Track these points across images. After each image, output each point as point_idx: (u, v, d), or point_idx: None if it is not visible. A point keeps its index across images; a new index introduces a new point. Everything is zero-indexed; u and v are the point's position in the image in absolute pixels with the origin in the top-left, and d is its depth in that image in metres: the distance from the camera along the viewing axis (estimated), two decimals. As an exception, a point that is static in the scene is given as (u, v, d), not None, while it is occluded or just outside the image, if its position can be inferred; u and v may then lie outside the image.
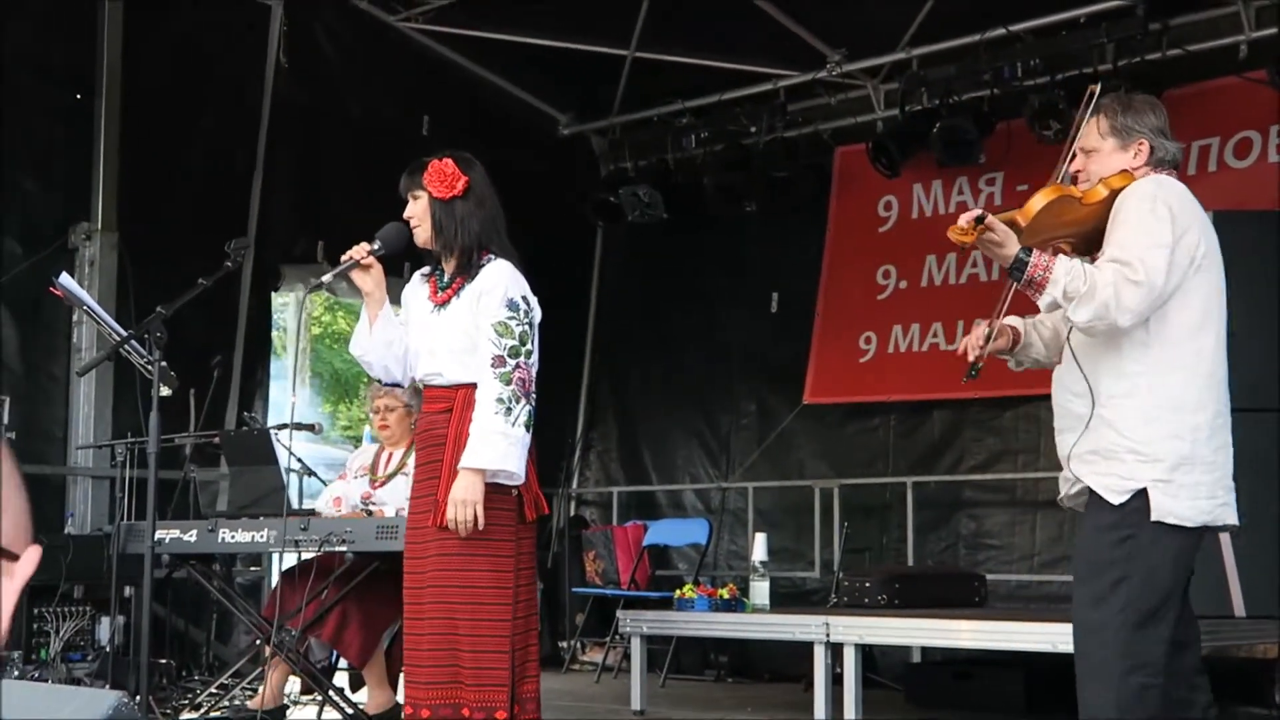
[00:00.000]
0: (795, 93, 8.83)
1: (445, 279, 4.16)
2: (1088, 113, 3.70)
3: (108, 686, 5.92)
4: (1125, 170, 3.63)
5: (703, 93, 9.02)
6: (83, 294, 5.44)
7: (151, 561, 4.64)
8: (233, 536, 5.67)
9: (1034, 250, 3.42)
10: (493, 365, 3.92)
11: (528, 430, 3.95)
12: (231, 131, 8.19)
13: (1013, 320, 3.84)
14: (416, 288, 4.25)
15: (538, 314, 4.09)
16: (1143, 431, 3.47)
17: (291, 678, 6.09)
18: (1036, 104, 7.59)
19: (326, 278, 4.19)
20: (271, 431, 6.29)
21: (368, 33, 8.71)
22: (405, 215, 4.16)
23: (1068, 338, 3.63)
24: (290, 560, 5.95)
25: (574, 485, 9.95)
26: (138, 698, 4.71)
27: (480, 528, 3.89)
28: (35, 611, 6.52)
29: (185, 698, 6.24)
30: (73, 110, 7.53)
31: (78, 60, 7.53)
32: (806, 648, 6.10)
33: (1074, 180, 3.70)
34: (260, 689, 6.05)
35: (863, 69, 8.55)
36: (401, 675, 5.90)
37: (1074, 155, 3.71)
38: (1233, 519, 3.59)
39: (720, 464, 9.39)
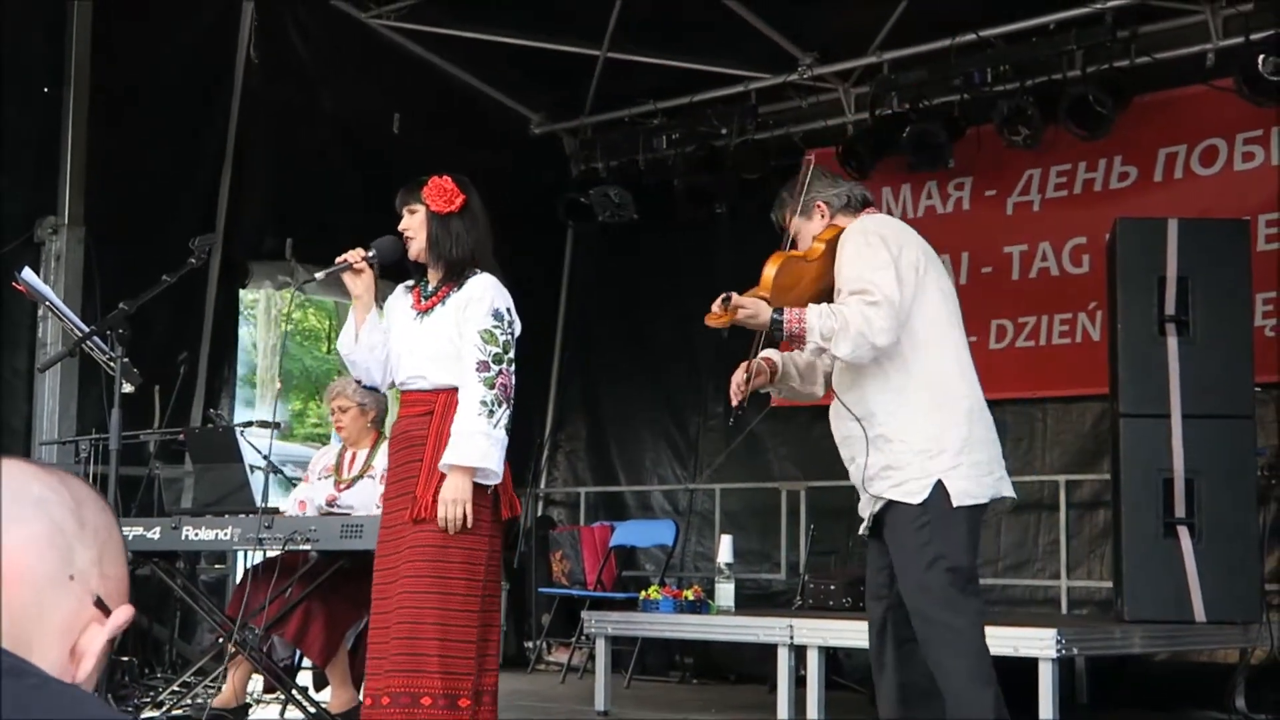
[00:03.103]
0: (766, 95, 8.84)
1: (430, 289, 4.31)
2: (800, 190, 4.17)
3: (69, 684, 5.88)
4: (829, 225, 4.10)
5: (674, 94, 9.02)
6: (45, 290, 5.41)
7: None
8: (196, 534, 5.64)
9: (784, 310, 3.79)
10: (477, 369, 4.09)
11: (506, 433, 4.13)
12: (201, 127, 8.15)
13: (770, 353, 4.16)
14: (399, 297, 4.40)
15: (518, 327, 4.27)
16: (924, 431, 3.80)
17: (255, 676, 6.07)
18: (1006, 109, 7.63)
19: (319, 275, 4.31)
20: (236, 429, 6.27)
21: (339, 29, 8.68)
22: (401, 228, 4.31)
23: (831, 374, 4.02)
24: (255, 558, 5.93)
25: (541, 485, 9.94)
26: (97, 696, 4.68)
27: (469, 526, 4.03)
28: (-3, 608, 6.46)
29: (147, 695, 6.20)
30: (41, 103, 7.47)
31: (46, 53, 7.47)
32: (771, 649, 6.11)
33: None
34: (223, 687, 6.03)
35: (834, 72, 8.57)
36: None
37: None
38: (1009, 491, 3.96)
39: (688, 465, 9.39)
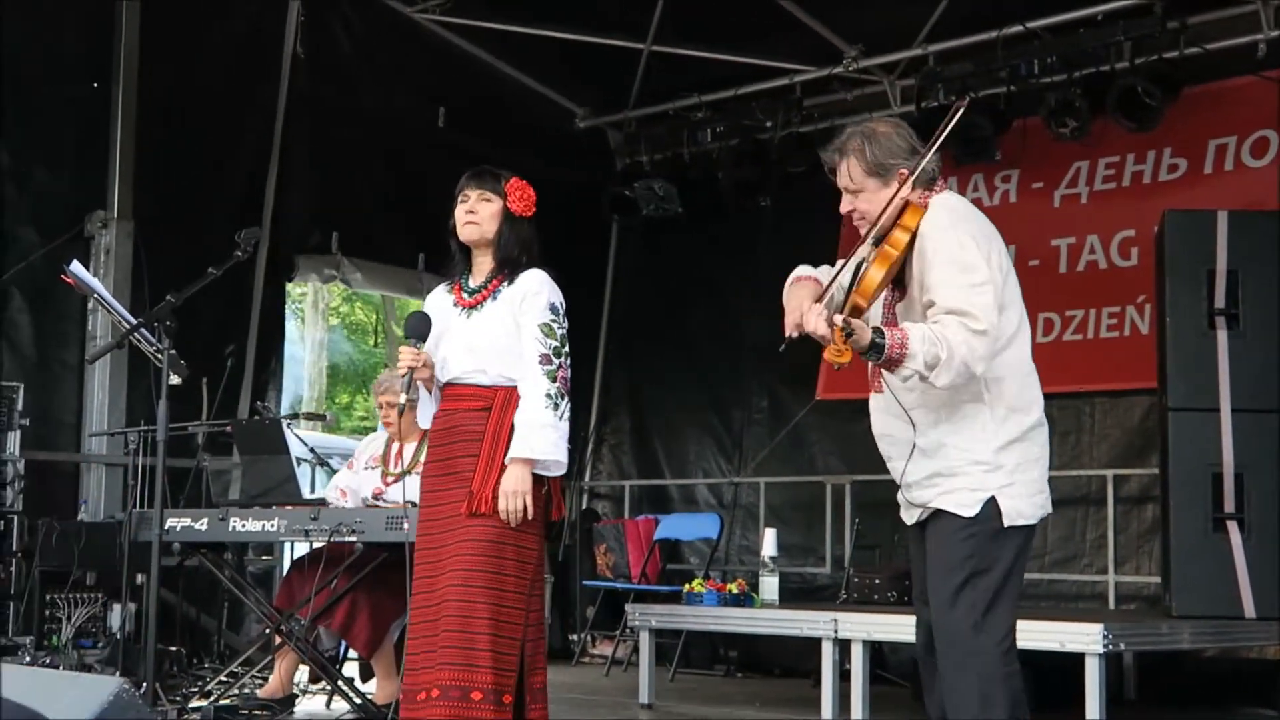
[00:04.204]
0: (811, 88, 8.82)
1: (474, 284, 4.27)
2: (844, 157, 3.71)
3: (118, 673, 5.95)
4: (908, 203, 3.63)
5: (719, 87, 9.02)
6: (93, 282, 5.47)
7: (160, 550, 4.65)
8: (243, 525, 5.69)
9: (884, 331, 3.42)
10: (541, 363, 4.10)
11: (568, 425, 4.14)
12: (248, 122, 8.21)
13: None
14: (439, 297, 4.35)
15: (566, 325, 4.24)
16: (987, 444, 3.56)
17: (301, 667, 6.12)
18: (1053, 101, 7.58)
19: (404, 398, 4.20)
20: (283, 421, 6.31)
21: (384, 24, 8.72)
22: (467, 209, 4.25)
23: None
24: (301, 549, 5.96)
25: (586, 478, 9.96)
26: (145, 684, 4.73)
27: (530, 518, 4.03)
28: (48, 598, 6.55)
29: (195, 685, 6.26)
30: (90, 99, 7.55)
31: (95, 50, 7.55)
32: (816, 643, 6.10)
33: (849, 221, 3.75)
34: (270, 678, 6.07)
35: (879, 65, 8.54)
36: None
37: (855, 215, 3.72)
38: (1049, 508, 3.71)
39: (733, 459, 9.38)
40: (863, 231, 3.71)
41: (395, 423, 6.05)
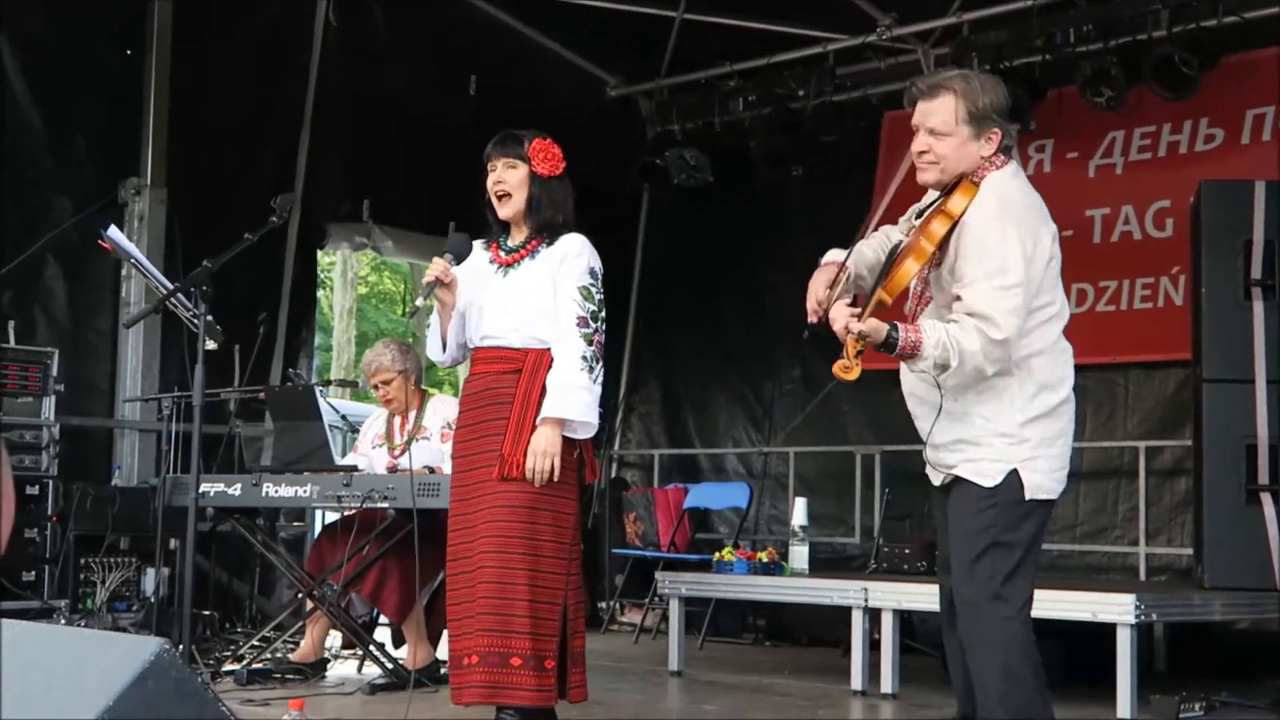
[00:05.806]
0: (844, 56, 8.76)
1: (512, 244, 4.27)
2: (934, 96, 3.65)
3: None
4: (966, 182, 3.61)
5: (751, 55, 8.97)
6: (130, 247, 5.48)
7: (195, 514, 4.68)
8: (276, 491, 5.73)
9: (899, 327, 3.46)
10: (578, 325, 4.10)
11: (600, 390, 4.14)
12: (280, 89, 8.21)
13: (838, 255, 3.77)
14: (476, 255, 4.33)
15: (603, 292, 4.23)
16: (1013, 418, 3.57)
17: (333, 632, 6.16)
18: (1089, 70, 7.51)
19: (420, 301, 4.22)
20: (316, 388, 6.34)
21: (417, -8, 8.71)
22: (495, 180, 4.26)
23: None
24: (332, 515, 5.99)
25: (615, 447, 9.97)
26: (180, 647, 4.77)
27: (556, 480, 4.03)
28: (82, 562, 6.62)
29: (228, 649, 6.31)
30: (123, 67, 7.57)
31: (128, 17, 7.56)
32: (845, 613, 6.11)
33: (915, 163, 3.72)
34: (301, 642, 6.12)
35: (913, 33, 8.47)
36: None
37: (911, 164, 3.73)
38: (1066, 482, 3.71)
39: (763, 428, 9.38)
40: (925, 175, 3.68)
41: (394, 397, 6.09)
